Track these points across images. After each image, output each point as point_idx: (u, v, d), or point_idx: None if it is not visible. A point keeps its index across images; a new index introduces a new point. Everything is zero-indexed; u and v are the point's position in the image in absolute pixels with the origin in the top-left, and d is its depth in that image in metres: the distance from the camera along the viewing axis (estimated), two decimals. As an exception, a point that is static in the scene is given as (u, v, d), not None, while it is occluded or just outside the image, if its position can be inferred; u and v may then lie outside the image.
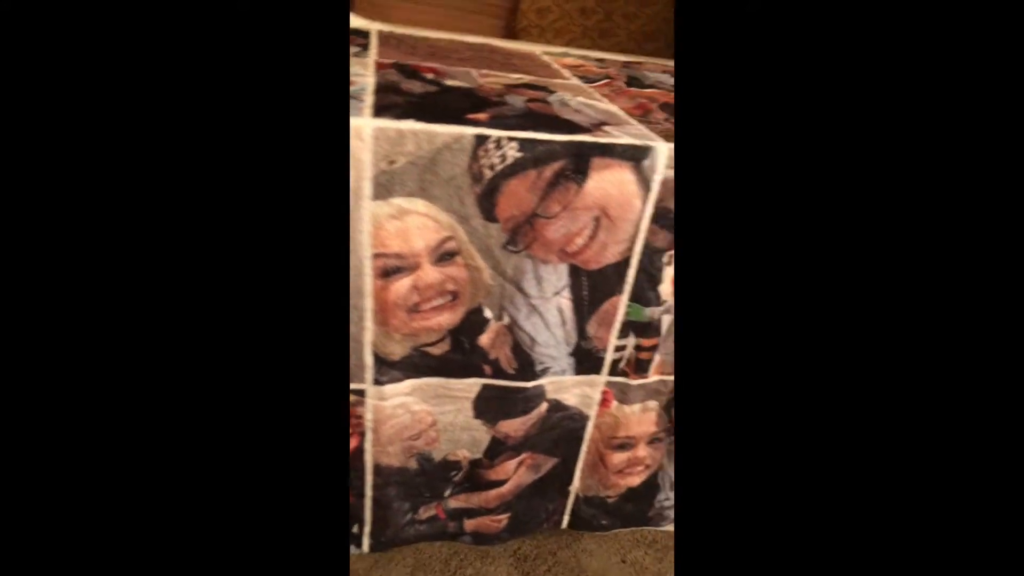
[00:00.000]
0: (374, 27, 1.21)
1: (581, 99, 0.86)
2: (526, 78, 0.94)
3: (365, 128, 0.63)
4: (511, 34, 2.27)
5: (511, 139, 0.66)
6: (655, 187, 0.72)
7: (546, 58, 1.17)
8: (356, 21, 1.25)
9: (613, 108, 0.84)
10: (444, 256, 0.72)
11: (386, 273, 0.70)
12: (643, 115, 0.83)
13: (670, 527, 1.07)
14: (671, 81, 1.11)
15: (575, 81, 0.98)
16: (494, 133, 0.66)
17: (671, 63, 1.35)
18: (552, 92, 0.87)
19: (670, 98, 0.96)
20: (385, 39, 1.09)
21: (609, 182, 0.70)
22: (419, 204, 0.68)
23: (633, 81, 1.05)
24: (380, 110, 0.66)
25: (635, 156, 0.70)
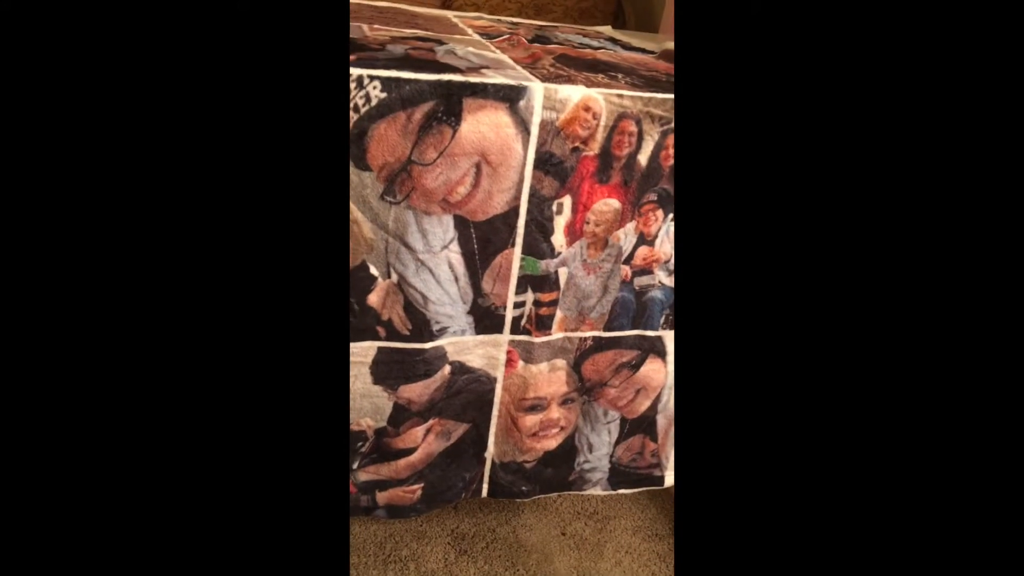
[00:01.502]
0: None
1: (471, 49, 0.83)
2: (421, 32, 0.91)
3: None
4: (446, 6, 2.24)
5: (372, 78, 0.63)
6: (534, 130, 0.70)
7: (455, 19, 1.14)
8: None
9: (502, 57, 0.81)
10: (317, 208, 0.68)
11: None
12: (531, 63, 0.80)
13: (594, 491, 1.06)
14: (580, 40, 1.09)
15: (475, 37, 0.96)
16: (355, 71, 0.63)
17: (592, 28, 1.34)
18: (443, 44, 0.84)
19: (569, 51, 0.94)
20: None
21: (485, 125, 0.68)
22: (282, 151, 0.64)
23: (539, 39, 1.03)
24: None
25: (509, 96, 0.68)
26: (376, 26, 0.90)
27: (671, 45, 1.10)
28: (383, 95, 0.64)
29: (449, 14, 1.23)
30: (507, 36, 0.98)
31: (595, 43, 1.08)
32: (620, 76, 0.80)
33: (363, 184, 0.68)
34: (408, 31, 0.91)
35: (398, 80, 0.64)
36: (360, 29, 0.86)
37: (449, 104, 0.66)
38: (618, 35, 1.27)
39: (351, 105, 0.64)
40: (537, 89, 0.69)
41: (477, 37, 0.95)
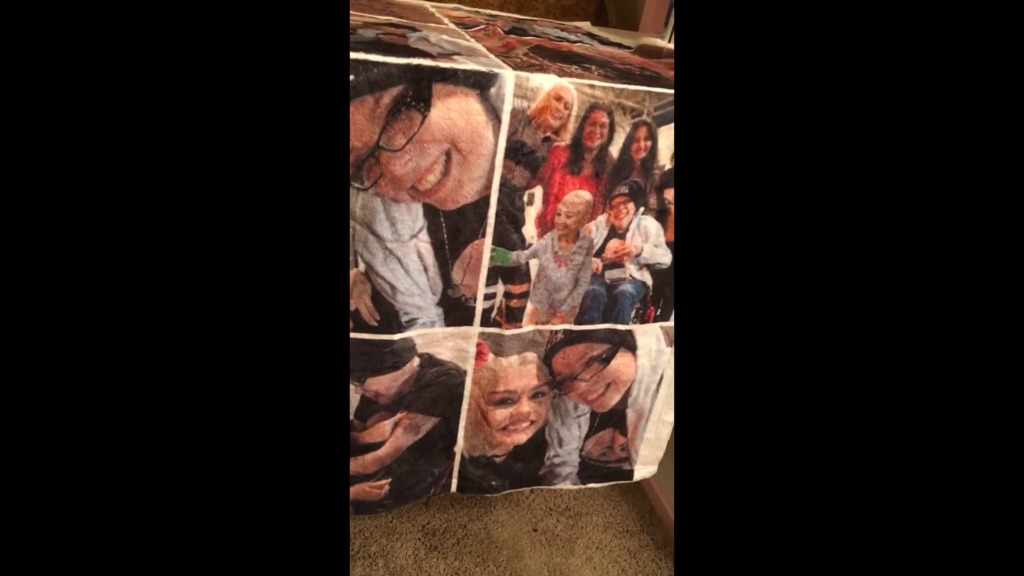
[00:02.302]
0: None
1: (445, 37, 0.82)
2: (395, 20, 0.90)
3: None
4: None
5: (339, 60, 0.62)
6: (505, 118, 0.69)
7: (432, 8, 1.13)
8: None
9: (475, 45, 0.80)
10: (282, 193, 0.66)
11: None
12: (505, 52, 0.79)
13: (564, 485, 1.05)
14: (557, 33, 1.08)
15: (451, 26, 0.94)
16: (321, 54, 0.61)
17: (571, 23, 1.33)
18: (417, 31, 0.83)
19: (545, 43, 0.93)
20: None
21: (456, 111, 0.67)
22: (244, 133, 0.62)
23: (516, 31, 1.02)
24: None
25: (480, 83, 0.67)
26: (352, 13, 0.88)
27: (647, 41, 1.10)
28: (351, 78, 0.62)
29: (427, 3, 1.22)
30: (483, 26, 0.97)
31: (572, 37, 1.08)
32: (594, 68, 0.79)
33: (329, 169, 0.66)
34: (382, 18, 0.89)
35: (366, 63, 0.62)
36: (332, 13, 0.84)
37: (418, 89, 0.65)
38: (596, 31, 1.27)
39: (317, 87, 0.62)
40: (508, 77, 0.68)
41: (452, 26, 0.94)
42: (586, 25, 1.30)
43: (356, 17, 0.85)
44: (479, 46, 0.80)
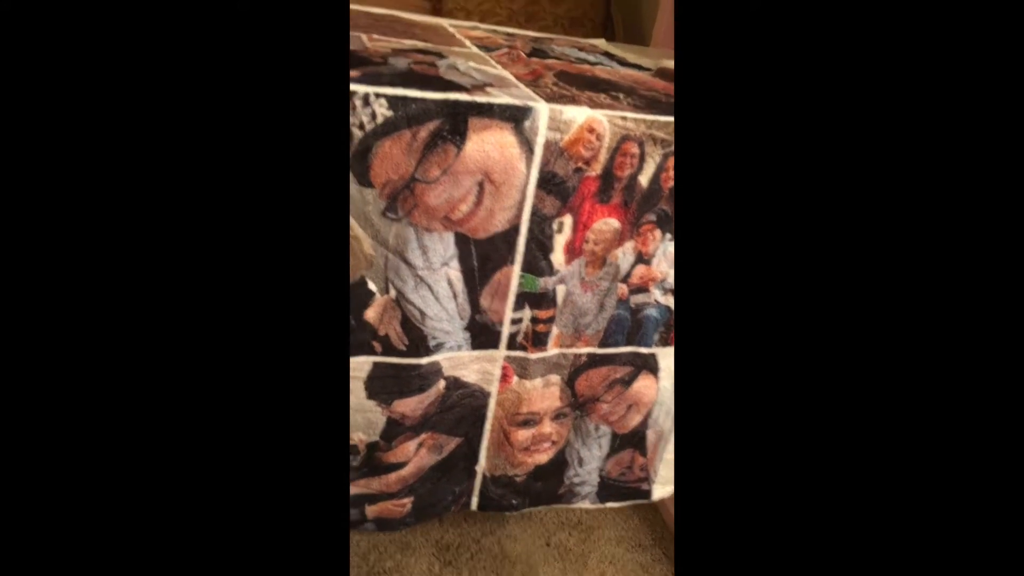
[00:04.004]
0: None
1: (472, 64, 0.83)
2: (420, 44, 0.90)
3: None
4: (436, 12, 2.23)
5: (379, 96, 0.63)
6: (538, 150, 0.70)
7: (452, 30, 1.13)
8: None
9: (504, 73, 0.81)
10: (318, 224, 0.67)
11: (253, 242, 0.65)
12: (533, 80, 0.80)
13: (583, 504, 1.06)
14: (577, 54, 1.09)
15: (474, 50, 0.95)
16: (362, 89, 0.62)
17: (583, 40, 1.34)
18: (444, 57, 0.84)
19: (569, 67, 0.94)
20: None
21: (490, 144, 0.68)
22: (284, 166, 0.63)
23: (536, 52, 1.03)
24: (235, 63, 0.61)
25: (515, 116, 0.68)
26: (375, 36, 0.89)
27: (666, 63, 1.11)
28: (389, 113, 0.63)
29: (445, 23, 1.23)
30: (506, 50, 0.98)
31: (591, 58, 1.09)
32: (622, 96, 0.80)
33: (365, 200, 0.67)
34: (408, 42, 0.90)
35: (404, 99, 0.63)
36: (360, 40, 0.85)
37: (455, 123, 0.66)
38: (613, 49, 1.28)
39: (356, 123, 0.63)
40: (542, 110, 0.69)
41: (476, 50, 0.95)
42: (601, 43, 1.31)
43: (382, 43, 0.86)
44: (507, 74, 0.81)
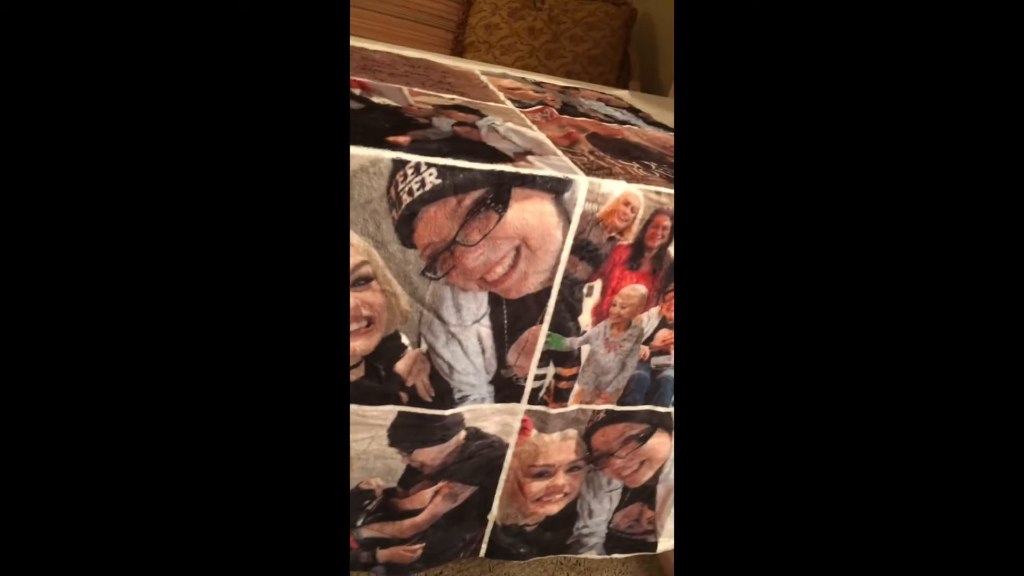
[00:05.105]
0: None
1: (510, 125, 0.85)
2: (459, 99, 0.93)
3: (274, 146, 0.60)
4: (458, 47, 2.27)
5: (430, 165, 0.65)
6: (575, 220, 0.72)
7: (484, 78, 1.16)
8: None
9: (541, 136, 0.84)
10: (359, 281, 0.69)
11: (295, 296, 0.67)
12: (569, 145, 0.83)
13: (589, 555, 1.07)
14: (604, 110, 1.12)
15: (509, 105, 0.98)
16: (413, 158, 0.64)
17: (607, 90, 1.38)
18: (483, 116, 0.87)
19: (599, 128, 0.97)
20: (317, 48, 1.06)
21: (530, 213, 0.70)
22: (332, 227, 0.65)
23: (567, 108, 1.06)
24: (293, 127, 0.63)
25: (556, 188, 0.70)
26: (416, 90, 0.92)
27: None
28: (438, 181, 0.65)
29: (475, 69, 1.26)
30: (538, 107, 1.01)
31: (619, 115, 1.12)
32: (653, 166, 0.83)
33: (407, 260, 0.69)
34: (447, 97, 0.92)
35: (453, 168, 0.66)
36: (402, 94, 0.88)
37: (498, 192, 0.68)
38: (636, 101, 1.31)
39: (406, 189, 0.65)
40: (582, 183, 0.71)
41: (510, 106, 0.98)
42: (626, 96, 1.35)
43: (424, 99, 0.88)
44: (545, 138, 0.83)
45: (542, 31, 2.29)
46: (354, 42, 1.26)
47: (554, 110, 1.02)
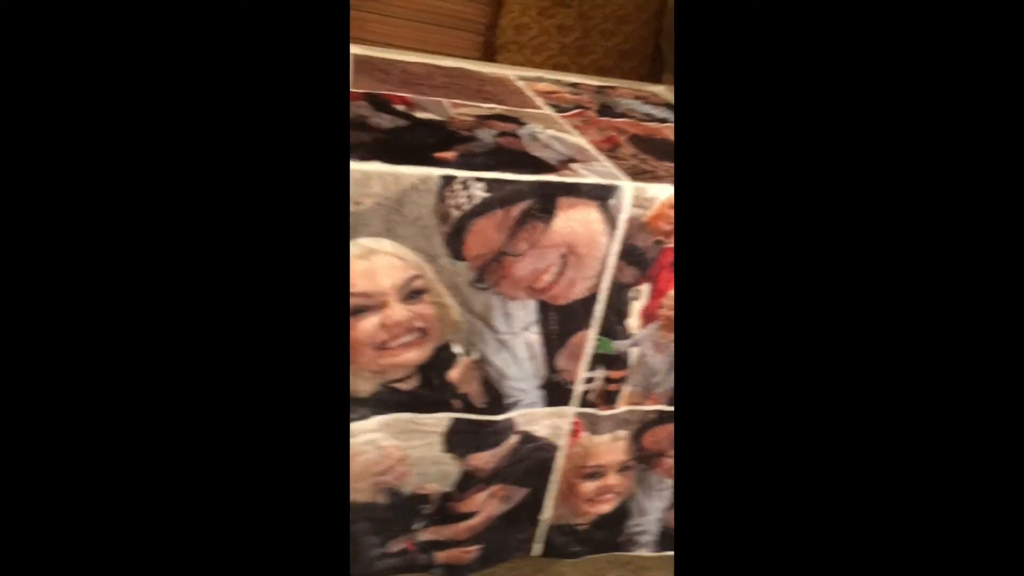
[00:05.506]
0: (350, 51, 1.21)
1: (551, 132, 0.86)
2: (498, 108, 0.94)
3: (329, 170, 0.63)
4: (490, 50, 2.28)
5: (478, 179, 0.66)
6: (621, 225, 0.73)
7: (520, 83, 1.17)
8: (329, 43, 1.24)
9: (582, 142, 0.84)
10: (412, 294, 0.71)
11: (353, 312, 0.70)
12: (611, 149, 0.83)
13: (642, 552, 1.08)
14: (642, 109, 1.12)
15: (547, 111, 0.99)
16: (460, 174, 0.66)
17: (643, 87, 1.37)
18: (523, 124, 0.88)
19: (639, 129, 0.97)
20: (359, 65, 1.09)
21: (576, 221, 0.71)
22: (386, 244, 0.67)
23: (605, 110, 1.06)
24: (346, 150, 0.65)
25: (601, 195, 0.71)
26: (456, 101, 0.93)
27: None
28: (485, 195, 0.67)
29: (511, 74, 1.27)
30: (577, 111, 1.01)
31: (657, 113, 1.11)
32: (697, 166, 0.82)
33: (457, 272, 0.71)
34: (486, 107, 0.94)
35: (499, 181, 0.67)
36: (443, 108, 0.89)
37: (544, 202, 0.69)
38: (673, 96, 1.30)
39: (454, 204, 0.67)
40: (627, 189, 0.72)
41: (549, 111, 0.99)
42: (661, 91, 1.33)
43: (465, 111, 0.90)
44: (586, 143, 0.84)
45: (572, 28, 2.28)
46: (391, 54, 1.28)
47: (592, 112, 1.02)
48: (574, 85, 1.26)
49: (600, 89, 1.27)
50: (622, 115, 1.05)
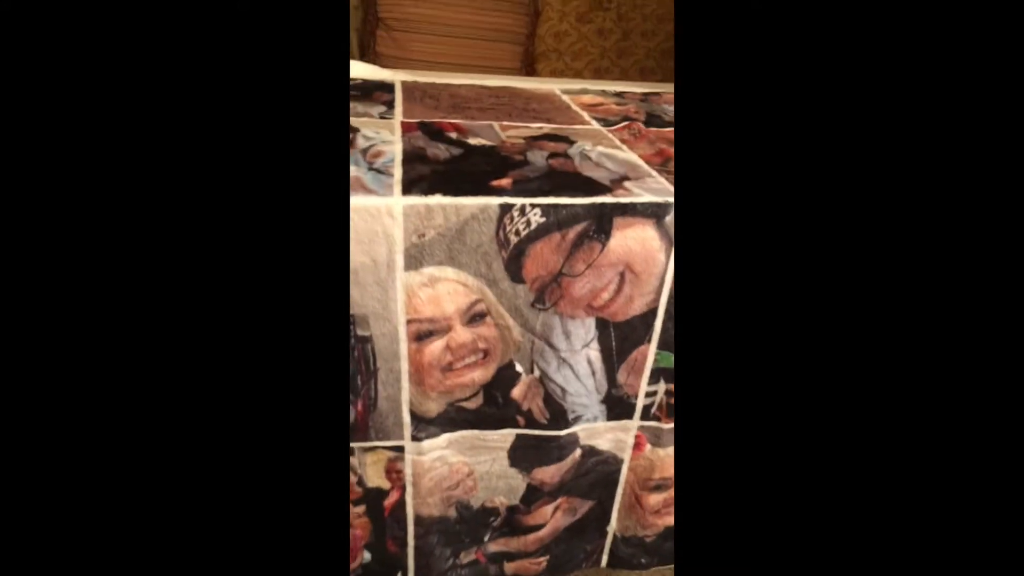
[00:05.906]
0: (398, 78, 1.25)
1: (601, 148, 0.87)
2: (547, 127, 0.96)
3: (396, 206, 0.66)
4: (530, 59, 2.30)
5: (534, 205, 0.68)
6: (678, 241, 0.73)
7: (565, 98, 1.19)
8: (380, 73, 1.29)
9: (632, 157, 0.85)
10: (474, 318, 0.74)
11: (420, 337, 0.73)
12: (663, 163, 0.84)
13: (711, 563, 1.07)
14: (691, 116, 1.11)
15: (595, 126, 1.00)
16: (518, 201, 0.68)
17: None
18: (572, 143, 0.89)
19: (690, 139, 0.96)
20: (409, 92, 1.13)
21: (632, 239, 0.72)
22: (448, 271, 0.70)
23: (652, 119, 1.06)
24: (408, 185, 0.69)
25: (656, 213, 0.71)
26: (505, 123, 0.96)
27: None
28: (542, 220, 0.69)
29: (556, 88, 1.28)
30: (624, 124, 1.02)
31: (705, 119, 1.10)
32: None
33: (516, 295, 0.73)
34: (535, 127, 0.96)
35: (556, 206, 0.69)
36: (494, 131, 0.92)
37: (600, 223, 0.70)
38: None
39: (513, 230, 0.69)
40: (683, 205, 0.72)
41: (596, 126, 1.00)
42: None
43: (515, 133, 0.92)
44: (637, 159, 0.84)
45: (612, 31, 2.28)
46: (437, 77, 1.32)
47: (640, 124, 1.02)
48: (619, 95, 1.27)
49: (645, 97, 1.27)
50: (670, 124, 1.04)
